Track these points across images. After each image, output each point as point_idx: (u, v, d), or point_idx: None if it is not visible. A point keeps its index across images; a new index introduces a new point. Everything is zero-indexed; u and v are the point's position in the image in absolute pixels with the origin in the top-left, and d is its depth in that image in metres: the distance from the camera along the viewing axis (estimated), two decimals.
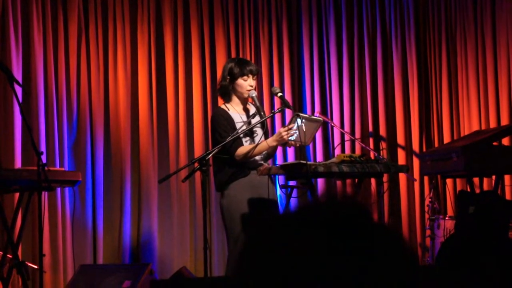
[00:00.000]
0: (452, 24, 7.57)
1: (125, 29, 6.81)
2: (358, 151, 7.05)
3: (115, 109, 6.72)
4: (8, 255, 5.24)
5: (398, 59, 7.44)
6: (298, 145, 4.67)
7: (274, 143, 4.62)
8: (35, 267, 5.47)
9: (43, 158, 4.66)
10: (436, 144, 7.42)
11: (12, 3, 6.41)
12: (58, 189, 6.27)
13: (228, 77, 4.76)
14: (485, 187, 6.72)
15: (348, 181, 6.27)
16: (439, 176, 7.03)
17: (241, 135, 4.70)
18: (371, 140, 7.32)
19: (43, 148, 6.27)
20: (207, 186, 4.67)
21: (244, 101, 4.83)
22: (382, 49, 7.44)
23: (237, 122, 4.74)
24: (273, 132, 6.67)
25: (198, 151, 6.72)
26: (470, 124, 7.36)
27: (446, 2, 7.57)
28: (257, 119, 4.78)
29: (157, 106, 6.87)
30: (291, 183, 5.89)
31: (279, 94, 4.85)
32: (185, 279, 5.75)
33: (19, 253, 5.53)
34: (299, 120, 4.52)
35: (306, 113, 7.11)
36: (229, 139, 4.60)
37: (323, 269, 0.94)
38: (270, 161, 6.09)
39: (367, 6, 7.45)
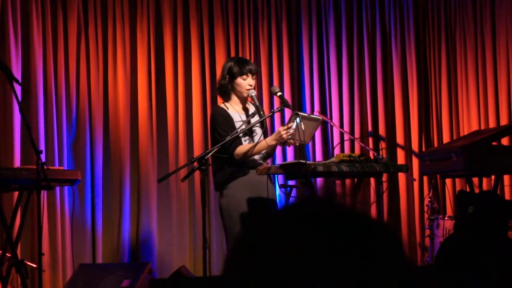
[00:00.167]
0: (451, 23, 7.57)
1: (124, 28, 6.81)
2: (357, 151, 7.05)
3: (114, 108, 6.72)
4: (7, 254, 5.24)
5: (398, 58, 7.44)
6: (297, 144, 4.67)
7: (273, 142, 4.62)
8: (34, 266, 5.47)
9: (42, 157, 4.65)
10: (436, 144, 7.42)
11: (11, 2, 6.41)
12: (57, 188, 6.26)
13: (228, 76, 4.76)
14: (485, 187, 6.72)
15: (348, 180, 6.27)
16: (438, 176, 7.03)
17: (240, 135, 4.70)
18: (370, 139, 7.32)
19: (42, 147, 6.27)
20: (206, 185, 4.67)
21: (243, 101, 4.82)
22: (381, 49, 7.44)
23: (236, 121, 4.74)
24: (273, 131, 6.66)
25: (197, 150, 6.72)
26: (470, 124, 7.36)
27: (446, 2, 7.57)
28: (256, 118, 4.78)
29: (157, 105, 6.87)
30: (291, 182, 5.89)
31: (279, 93, 4.85)
32: (184, 278, 5.75)
33: (18, 252, 5.52)
34: (298, 119, 4.52)
35: (305, 112, 7.12)
36: (228, 138, 4.60)
37: (323, 269, 0.94)
38: (269, 161, 6.09)
39: (367, 5, 7.45)
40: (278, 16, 7.26)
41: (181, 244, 6.76)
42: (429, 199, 6.57)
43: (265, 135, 4.81)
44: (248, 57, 6.90)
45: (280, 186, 5.71)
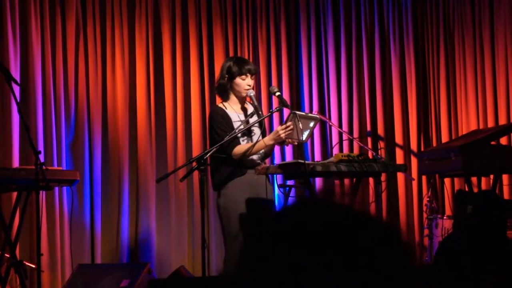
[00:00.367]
0: (450, 23, 7.57)
1: (123, 28, 6.81)
2: (356, 151, 7.05)
3: (113, 108, 6.72)
4: (6, 255, 5.24)
5: (396, 58, 7.44)
6: (296, 143, 4.67)
7: (271, 142, 4.62)
8: (33, 266, 5.47)
9: (41, 157, 4.65)
10: (434, 144, 7.42)
11: (10, 2, 6.40)
12: (56, 188, 6.26)
13: (227, 75, 4.76)
14: (483, 187, 6.72)
15: (346, 180, 6.27)
16: (437, 176, 7.03)
17: (239, 135, 4.70)
18: (369, 139, 7.32)
19: (41, 147, 6.27)
20: (205, 185, 4.67)
21: (242, 100, 4.82)
22: (380, 48, 7.44)
23: (234, 121, 4.74)
24: (271, 131, 6.66)
25: (196, 150, 6.72)
26: (468, 123, 7.36)
27: (444, 1, 7.57)
28: (255, 118, 4.78)
29: (155, 105, 6.86)
30: (289, 182, 5.89)
31: (277, 93, 4.85)
32: (183, 278, 5.74)
33: (17, 252, 5.52)
34: (296, 119, 4.52)
35: (303, 111, 7.12)
36: (227, 138, 4.59)
37: (323, 270, 0.94)
38: (268, 160, 6.09)
39: (365, 5, 7.45)
40: (277, 16, 7.26)
41: (180, 244, 6.76)
42: (428, 199, 6.57)
43: (263, 135, 4.81)
44: (246, 57, 6.90)
45: (279, 186, 5.71)
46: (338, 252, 0.95)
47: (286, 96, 7.02)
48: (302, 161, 4.90)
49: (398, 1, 7.53)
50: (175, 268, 6.09)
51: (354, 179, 5.75)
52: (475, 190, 6.38)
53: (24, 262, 5.22)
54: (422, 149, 7.32)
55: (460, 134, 7.22)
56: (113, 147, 6.69)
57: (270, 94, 7.00)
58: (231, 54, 6.96)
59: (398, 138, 7.39)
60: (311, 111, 7.11)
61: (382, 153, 6.91)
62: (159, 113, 6.88)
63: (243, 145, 4.70)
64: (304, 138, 4.61)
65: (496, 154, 5.73)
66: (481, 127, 7.22)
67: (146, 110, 6.81)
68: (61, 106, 6.53)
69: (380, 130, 7.35)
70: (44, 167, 4.65)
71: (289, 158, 6.92)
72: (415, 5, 7.57)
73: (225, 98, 4.82)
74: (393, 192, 7.27)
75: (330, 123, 7.02)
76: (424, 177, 7.26)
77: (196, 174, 4.74)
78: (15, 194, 5.63)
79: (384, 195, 6.89)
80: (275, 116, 7.06)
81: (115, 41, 6.78)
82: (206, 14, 7.04)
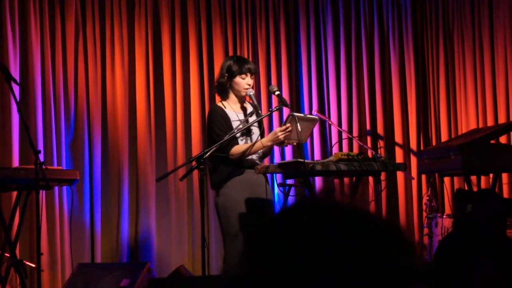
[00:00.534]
0: (449, 22, 7.57)
1: (122, 27, 6.81)
2: (355, 150, 7.05)
3: (112, 107, 6.72)
4: (6, 254, 5.24)
5: (396, 57, 7.44)
6: (295, 143, 4.67)
7: (269, 143, 4.63)
8: (33, 265, 5.47)
9: (41, 157, 4.65)
10: (434, 143, 7.42)
11: (9, 2, 6.40)
12: (56, 188, 6.26)
13: (227, 74, 4.76)
14: (483, 186, 6.72)
15: (346, 179, 6.28)
16: (436, 175, 7.04)
17: (238, 134, 4.70)
18: (368, 138, 7.32)
19: (40, 146, 6.27)
20: (204, 184, 4.67)
21: (241, 100, 4.82)
22: (379, 47, 7.44)
23: (233, 121, 4.73)
24: (271, 129, 6.66)
25: (196, 150, 6.72)
26: (468, 122, 7.36)
27: (444, 1, 7.57)
28: (254, 118, 4.78)
29: (155, 104, 6.86)
30: (289, 181, 5.89)
31: (277, 92, 4.85)
32: (183, 278, 5.75)
33: (17, 251, 5.52)
34: (294, 120, 4.52)
35: (303, 112, 7.12)
36: (226, 137, 4.60)
37: (324, 269, 0.94)
38: (267, 160, 6.09)
39: (365, 4, 7.45)
40: (276, 15, 7.26)
41: (180, 244, 6.76)
42: (428, 198, 6.58)
43: (262, 135, 4.81)
44: (246, 57, 6.90)
45: (279, 185, 5.71)
46: (338, 252, 0.95)
47: (285, 95, 7.02)
48: (302, 160, 4.90)
49: (397, 1, 7.54)
50: (175, 268, 6.09)
51: (354, 178, 5.75)
52: (475, 189, 6.38)
53: (24, 261, 5.22)
54: (422, 148, 7.32)
55: (459, 133, 7.22)
56: (113, 147, 6.69)
57: (269, 93, 7.00)
58: (231, 53, 6.96)
59: (398, 137, 7.39)
60: (310, 110, 7.12)
61: (381, 152, 6.91)
62: (159, 112, 6.88)
63: (241, 145, 4.70)
64: (302, 139, 4.62)
65: (496, 153, 5.73)
66: (480, 126, 7.23)
67: (146, 110, 6.81)
68: (60, 106, 6.53)
69: (380, 129, 7.36)
70: (44, 167, 4.66)
71: (289, 157, 6.92)
72: (414, 5, 7.57)
73: (225, 97, 4.82)
74: (392, 191, 7.28)
75: (330, 122, 7.02)
76: (423, 176, 7.26)
77: (196, 173, 4.74)
78: (15, 193, 5.63)
79: (383, 194, 6.90)
80: (275, 115, 7.06)
81: (114, 40, 6.78)
82: (206, 14, 7.04)
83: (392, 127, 7.40)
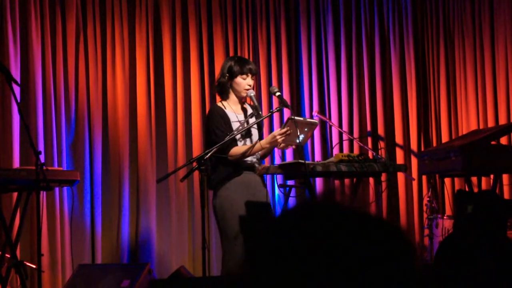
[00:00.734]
0: (450, 22, 7.57)
1: (123, 28, 6.81)
2: (356, 151, 7.05)
3: (113, 108, 6.72)
4: (7, 255, 5.24)
5: (396, 58, 7.45)
6: (294, 146, 4.66)
7: (267, 146, 4.62)
8: (34, 266, 5.47)
9: (41, 158, 4.65)
10: (434, 144, 7.42)
11: (10, 2, 6.40)
12: (57, 189, 6.26)
13: (228, 74, 4.75)
14: (484, 187, 6.72)
15: (347, 180, 6.28)
16: (437, 176, 7.04)
17: (238, 136, 4.69)
18: (369, 139, 7.32)
19: (41, 147, 6.27)
20: (205, 185, 4.66)
21: (241, 100, 4.82)
22: (380, 48, 7.44)
23: (233, 122, 4.73)
24: (271, 130, 6.66)
25: (196, 151, 6.72)
26: (468, 123, 7.36)
27: (444, 2, 7.57)
28: (254, 119, 4.78)
29: (155, 105, 6.86)
30: (290, 182, 5.89)
31: (278, 93, 4.85)
32: (184, 279, 5.75)
33: (18, 252, 5.53)
34: (294, 124, 4.52)
35: (304, 114, 7.13)
36: (227, 138, 4.59)
37: (326, 271, 0.94)
38: (268, 161, 6.09)
39: (365, 6, 7.45)
40: (277, 16, 7.26)
41: (180, 244, 6.76)
42: (428, 199, 6.58)
43: (261, 136, 4.81)
44: (247, 57, 6.90)
45: (279, 186, 5.71)
46: (339, 253, 0.95)
47: (286, 96, 7.03)
48: (303, 161, 4.90)
49: (398, 1, 7.54)
50: (176, 268, 6.09)
51: (355, 179, 5.76)
52: (475, 190, 6.38)
53: (25, 262, 5.22)
54: (422, 149, 7.32)
55: (460, 134, 7.22)
56: (113, 148, 6.69)
57: (270, 94, 7.00)
58: (231, 54, 6.96)
59: (398, 138, 7.39)
60: (311, 111, 7.11)
61: (382, 153, 6.91)
62: (159, 113, 6.88)
63: (241, 146, 4.70)
64: (301, 142, 4.62)
65: (496, 154, 5.73)
66: (481, 127, 7.23)
67: (147, 111, 6.81)
68: (61, 107, 6.53)
69: (380, 130, 7.36)
70: (44, 168, 4.66)
71: (289, 158, 6.92)
72: (415, 5, 7.57)
73: (225, 97, 4.81)
74: (393, 192, 7.27)
75: (330, 123, 7.02)
76: (424, 177, 7.26)
77: (196, 174, 4.74)
78: (15, 194, 5.63)
79: (384, 195, 6.90)
80: (275, 117, 7.06)
81: (115, 41, 6.78)
82: (206, 15, 7.04)
83: (392, 128, 7.40)
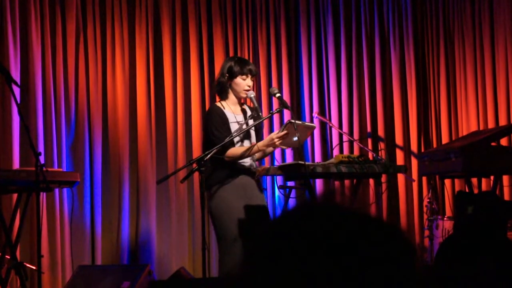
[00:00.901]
0: (450, 22, 7.57)
1: (123, 29, 6.81)
2: (356, 152, 7.04)
3: (113, 109, 6.72)
4: (7, 256, 5.24)
5: (396, 59, 7.45)
6: (290, 147, 4.67)
7: (265, 148, 4.62)
8: (34, 268, 5.46)
9: (41, 159, 4.65)
10: (435, 145, 7.42)
11: (10, 3, 6.40)
12: (57, 190, 6.26)
13: (227, 74, 4.75)
14: (484, 188, 6.72)
15: (347, 181, 6.27)
16: (437, 177, 7.03)
17: (237, 137, 4.69)
18: (369, 140, 7.32)
19: (41, 148, 6.27)
20: (204, 186, 4.66)
21: (240, 101, 4.82)
22: (380, 49, 7.44)
23: (231, 122, 4.72)
24: (272, 131, 6.66)
25: (196, 152, 6.71)
26: (469, 124, 7.36)
27: (444, 3, 7.57)
28: (252, 121, 4.78)
29: (155, 106, 6.86)
30: (290, 183, 5.89)
31: (278, 94, 4.85)
32: (184, 280, 5.74)
33: (18, 254, 5.52)
34: (292, 127, 4.52)
35: (304, 116, 7.13)
36: (228, 139, 4.59)
37: (326, 273, 0.94)
38: (268, 162, 6.09)
39: (365, 6, 7.45)
40: (277, 17, 7.26)
41: (180, 246, 6.76)
42: (428, 200, 6.57)
43: (258, 137, 4.80)
44: (246, 58, 6.90)
45: (279, 187, 5.71)
46: (339, 255, 0.95)
47: (286, 97, 7.02)
48: (303, 162, 4.90)
49: (398, 2, 7.54)
50: (176, 270, 6.09)
51: (355, 180, 5.76)
52: (476, 191, 6.38)
53: (25, 263, 5.22)
54: (422, 150, 7.32)
55: (460, 135, 7.22)
56: (113, 149, 6.69)
57: (270, 96, 7.00)
58: (231, 54, 6.96)
59: (398, 139, 7.39)
60: (311, 112, 7.11)
61: (382, 154, 6.91)
62: (160, 114, 6.88)
63: (238, 148, 4.69)
64: (299, 145, 4.63)
65: (497, 155, 5.74)
66: (481, 128, 7.22)
67: (147, 111, 6.81)
68: (61, 108, 6.52)
69: (381, 131, 7.35)
70: (44, 169, 4.65)
71: (289, 159, 6.92)
72: (415, 5, 7.57)
73: (224, 97, 4.81)
74: (393, 193, 7.27)
75: (331, 124, 7.02)
76: (424, 178, 7.26)
77: (196, 175, 4.73)
78: (15, 195, 5.63)
79: (384, 196, 6.90)
80: (275, 118, 7.06)
81: (115, 42, 6.78)
82: (206, 15, 7.04)
83: (392, 129, 7.40)
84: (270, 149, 4.73)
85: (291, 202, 5.67)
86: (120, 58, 6.77)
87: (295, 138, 4.54)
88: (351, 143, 7.19)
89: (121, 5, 6.82)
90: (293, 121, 4.54)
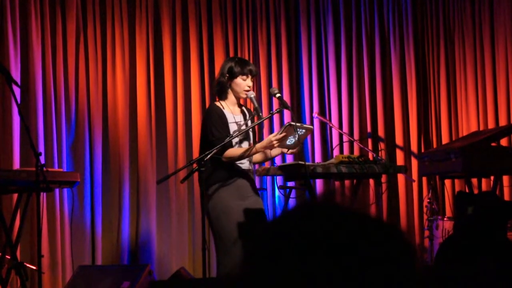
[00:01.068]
0: (450, 22, 7.57)
1: (123, 29, 6.81)
2: (356, 152, 7.04)
3: (113, 109, 6.72)
4: (7, 256, 5.24)
5: (397, 59, 7.45)
6: (289, 152, 4.65)
7: (263, 149, 4.62)
8: (34, 268, 5.47)
9: (42, 159, 4.65)
10: (435, 145, 7.42)
11: (10, 3, 6.41)
12: (57, 190, 6.26)
13: (228, 74, 4.75)
14: (484, 188, 6.72)
15: (347, 182, 6.28)
16: (437, 177, 7.04)
17: (236, 138, 4.69)
18: (369, 141, 7.32)
19: (41, 149, 6.27)
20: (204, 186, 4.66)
21: (239, 102, 4.81)
22: (380, 50, 7.45)
23: (230, 123, 4.72)
24: (271, 131, 6.66)
25: (196, 152, 6.70)
26: (469, 124, 7.36)
27: (444, 3, 7.57)
28: (251, 122, 4.77)
29: (156, 106, 6.86)
30: (290, 183, 5.89)
31: (278, 95, 4.85)
32: (184, 280, 5.75)
33: (18, 254, 5.52)
34: (292, 129, 4.52)
35: (304, 115, 7.13)
36: (228, 140, 4.59)
37: (326, 273, 0.94)
38: (268, 162, 6.08)
39: (366, 6, 7.45)
40: (277, 17, 7.26)
41: (181, 246, 6.76)
42: (428, 200, 6.57)
43: (259, 138, 4.80)
44: (247, 58, 6.90)
45: (279, 188, 5.71)
46: (339, 255, 0.95)
47: (286, 97, 7.03)
48: (303, 163, 4.90)
49: (398, 2, 7.54)
50: (176, 270, 6.09)
51: (355, 181, 5.76)
52: (476, 191, 6.38)
53: (25, 263, 5.22)
54: (423, 150, 7.32)
55: (460, 135, 7.23)
56: (113, 149, 6.69)
57: (270, 96, 7.00)
58: (232, 54, 6.96)
59: (399, 140, 7.39)
60: (311, 112, 7.12)
61: (382, 154, 6.92)
62: (160, 114, 6.88)
63: (236, 148, 4.68)
64: (299, 147, 4.64)
65: (497, 155, 5.74)
66: (481, 128, 7.23)
67: (147, 111, 6.81)
68: (61, 108, 6.53)
69: (381, 132, 7.36)
70: (44, 169, 4.66)
71: (289, 159, 6.92)
72: (415, 5, 7.57)
73: (223, 98, 4.80)
74: (393, 193, 7.27)
75: (331, 125, 7.02)
76: (424, 179, 7.26)
77: (196, 175, 4.73)
78: (15, 195, 5.63)
79: (384, 197, 6.90)
80: (275, 118, 7.06)
81: (115, 42, 6.78)
82: (207, 15, 7.04)
83: (392, 129, 7.40)
84: (274, 152, 4.72)
85: (291, 202, 5.67)
86: (120, 58, 6.77)
87: (294, 140, 4.54)
88: (351, 143, 7.19)
89: (121, 5, 6.83)
90: (293, 123, 4.54)
